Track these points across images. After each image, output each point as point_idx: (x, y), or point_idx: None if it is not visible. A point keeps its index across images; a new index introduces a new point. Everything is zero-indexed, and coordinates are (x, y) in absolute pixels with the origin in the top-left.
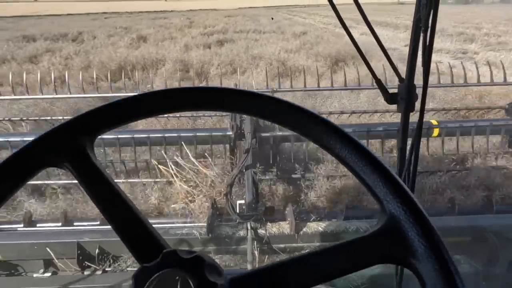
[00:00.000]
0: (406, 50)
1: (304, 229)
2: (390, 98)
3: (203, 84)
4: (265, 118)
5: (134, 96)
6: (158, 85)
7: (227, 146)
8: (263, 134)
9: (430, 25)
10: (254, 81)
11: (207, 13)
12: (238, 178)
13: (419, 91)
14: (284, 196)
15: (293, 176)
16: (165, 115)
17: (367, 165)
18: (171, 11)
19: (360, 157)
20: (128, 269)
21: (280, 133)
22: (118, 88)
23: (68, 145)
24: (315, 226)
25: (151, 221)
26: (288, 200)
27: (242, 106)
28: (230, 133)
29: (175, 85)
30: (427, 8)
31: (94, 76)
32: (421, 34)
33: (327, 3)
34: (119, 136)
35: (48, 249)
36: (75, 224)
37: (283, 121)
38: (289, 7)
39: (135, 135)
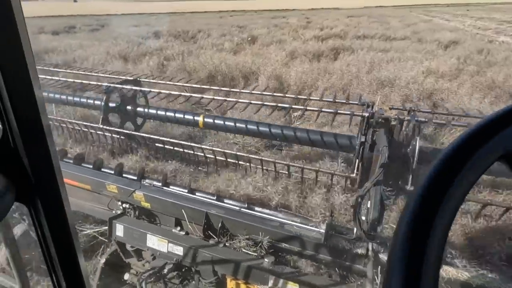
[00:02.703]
0: None
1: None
2: None
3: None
4: None
5: None
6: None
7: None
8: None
9: None
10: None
11: (328, 12)
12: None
13: None
14: None
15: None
16: None
17: None
18: (293, 9)
19: None
20: (242, 250)
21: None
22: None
23: None
24: (454, 272)
25: (270, 211)
26: None
27: None
28: (359, 143)
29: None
30: None
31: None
32: None
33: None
34: (248, 127)
35: (183, 211)
36: (197, 194)
37: None
38: (426, 6)
39: (272, 129)
